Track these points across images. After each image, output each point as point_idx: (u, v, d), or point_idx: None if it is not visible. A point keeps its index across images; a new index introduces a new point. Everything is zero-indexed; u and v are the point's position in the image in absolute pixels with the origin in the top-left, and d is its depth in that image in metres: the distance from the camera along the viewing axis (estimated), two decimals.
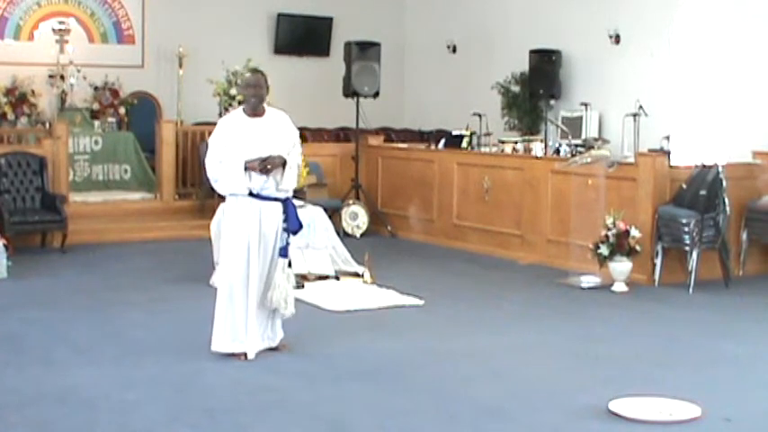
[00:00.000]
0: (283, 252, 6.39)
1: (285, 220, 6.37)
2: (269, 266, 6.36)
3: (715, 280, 8.96)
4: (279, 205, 6.37)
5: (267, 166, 6.24)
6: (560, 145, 10.61)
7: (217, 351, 6.37)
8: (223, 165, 6.31)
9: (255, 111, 6.42)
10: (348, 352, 6.62)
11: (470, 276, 9.58)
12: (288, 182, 6.37)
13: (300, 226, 6.53)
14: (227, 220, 6.46)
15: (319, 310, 7.78)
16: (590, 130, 11.94)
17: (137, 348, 6.65)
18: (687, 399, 5.55)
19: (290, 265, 6.47)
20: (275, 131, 6.42)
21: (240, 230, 6.32)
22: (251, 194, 6.30)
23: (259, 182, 6.29)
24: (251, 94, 6.42)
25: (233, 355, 6.35)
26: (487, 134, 11.83)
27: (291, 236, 6.45)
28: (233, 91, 12.57)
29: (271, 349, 6.47)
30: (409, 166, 11.99)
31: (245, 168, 6.25)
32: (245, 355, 6.34)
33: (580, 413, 5.42)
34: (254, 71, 6.66)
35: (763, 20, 10.66)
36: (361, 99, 12.48)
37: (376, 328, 7.31)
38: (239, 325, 6.35)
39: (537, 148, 10.76)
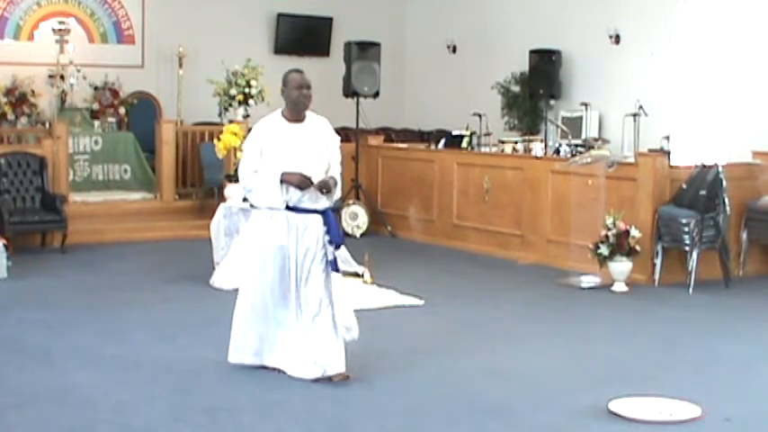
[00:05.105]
0: (334, 266, 5.86)
1: (327, 233, 5.85)
2: (307, 282, 5.83)
3: (715, 280, 8.96)
4: (318, 218, 5.85)
5: (323, 190, 5.78)
6: (560, 145, 10.61)
7: (236, 363, 6.05)
8: (258, 175, 5.81)
9: (299, 115, 5.89)
10: (348, 352, 6.60)
11: (470, 276, 9.58)
12: (335, 194, 5.95)
13: (343, 239, 6.01)
14: (259, 234, 5.93)
15: None
16: (590, 130, 11.94)
17: (137, 348, 6.65)
18: (687, 399, 5.55)
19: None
20: (316, 139, 5.89)
21: (274, 246, 5.82)
22: (287, 208, 5.81)
23: (296, 194, 5.80)
24: (300, 96, 5.84)
25: (265, 367, 6.03)
26: (487, 134, 11.83)
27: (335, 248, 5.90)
28: (233, 91, 12.56)
29: (327, 378, 5.87)
30: (409, 166, 11.99)
31: (282, 181, 5.76)
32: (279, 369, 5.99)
33: (580, 413, 5.42)
34: (298, 70, 5.95)
35: (763, 20, 10.65)
36: (361, 99, 12.48)
37: (376, 328, 7.30)
38: (266, 340, 5.98)
39: (537, 148, 10.76)
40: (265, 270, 5.88)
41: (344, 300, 5.95)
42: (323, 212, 5.87)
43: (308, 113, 5.96)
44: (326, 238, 5.85)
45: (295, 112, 5.89)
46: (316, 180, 5.80)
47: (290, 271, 5.84)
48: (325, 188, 5.80)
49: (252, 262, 5.99)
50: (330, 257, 5.86)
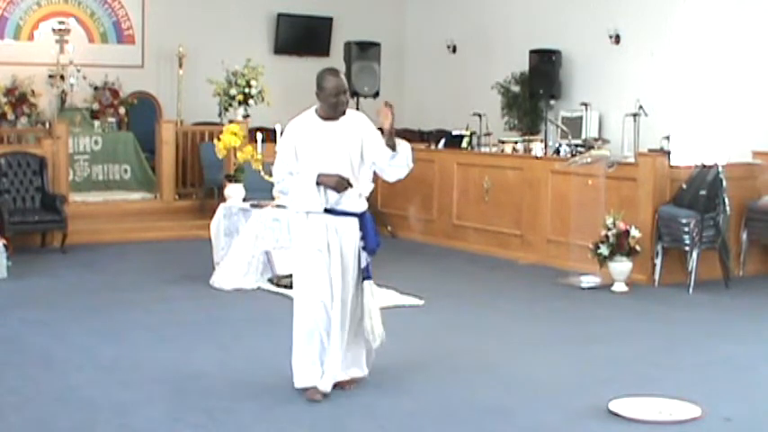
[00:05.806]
0: (367, 273, 5.66)
1: (362, 238, 5.62)
2: (351, 290, 5.62)
3: (715, 280, 8.95)
4: (355, 221, 5.62)
5: (338, 188, 5.54)
6: (560, 145, 10.61)
7: (302, 387, 5.64)
8: (294, 178, 5.58)
9: (335, 114, 5.64)
10: None
11: (470, 276, 9.58)
12: (404, 150, 5.84)
13: (378, 244, 5.70)
14: (299, 241, 5.63)
15: None
16: (590, 130, 11.94)
17: (137, 348, 6.65)
18: (687, 399, 5.55)
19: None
20: (351, 137, 5.63)
21: (318, 252, 5.53)
22: (325, 210, 5.56)
23: (334, 195, 5.56)
24: (338, 102, 5.60)
25: (307, 390, 5.61)
26: (487, 134, 11.83)
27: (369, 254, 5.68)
28: (233, 91, 12.57)
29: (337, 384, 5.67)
30: None
31: (318, 183, 5.52)
32: (322, 393, 5.57)
33: (580, 413, 5.42)
34: (335, 71, 5.68)
35: (763, 20, 10.65)
36: (361, 99, 12.47)
37: None
38: (323, 356, 5.62)
39: (537, 148, 10.76)
40: (315, 280, 5.55)
41: (376, 308, 5.71)
42: (360, 216, 5.66)
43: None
44: (361, 244, 5.64)
45: (331, 112, 5.63)
46: (353, 180, 5.61)
47: (329, 279, 5.54)
48: (339, 187, 5.54)
49: (301, 275, 5.64)
50: (363, 264, 5.66)
